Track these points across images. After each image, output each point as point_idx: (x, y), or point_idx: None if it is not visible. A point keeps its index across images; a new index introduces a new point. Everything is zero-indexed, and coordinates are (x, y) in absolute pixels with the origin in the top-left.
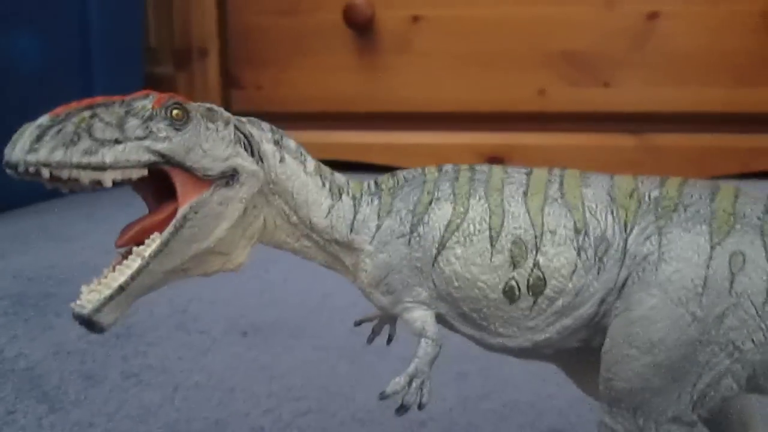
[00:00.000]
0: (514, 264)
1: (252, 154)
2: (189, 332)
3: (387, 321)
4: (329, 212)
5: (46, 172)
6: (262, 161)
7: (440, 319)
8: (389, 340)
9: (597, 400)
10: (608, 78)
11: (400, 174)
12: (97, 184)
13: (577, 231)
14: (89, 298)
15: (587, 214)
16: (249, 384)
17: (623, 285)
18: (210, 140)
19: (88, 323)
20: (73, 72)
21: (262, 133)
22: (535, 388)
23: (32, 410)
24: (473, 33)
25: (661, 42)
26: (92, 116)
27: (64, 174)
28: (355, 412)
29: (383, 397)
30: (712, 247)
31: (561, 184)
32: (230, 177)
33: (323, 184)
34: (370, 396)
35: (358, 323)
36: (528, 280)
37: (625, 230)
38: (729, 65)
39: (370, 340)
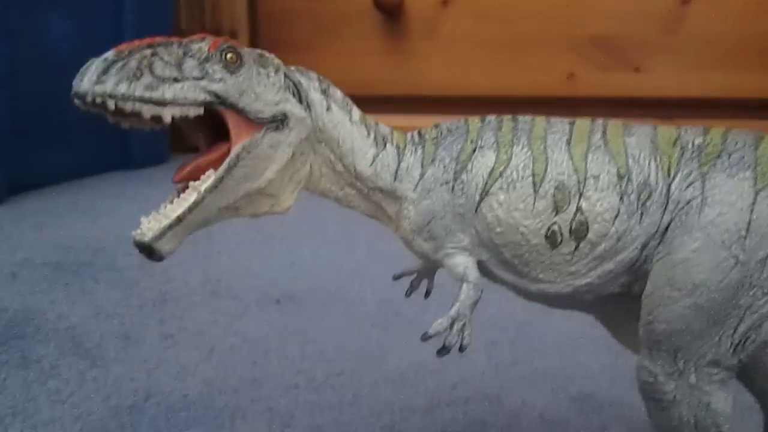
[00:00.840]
0: (557, 209)
1: (300, 101)
2: (223, 299)
3: (425, 275)
4: (374, 161)
5: (111, 104)
6: (309, 109)
7: (481, 266)
8: (427, 294)
9: (634, 351)
10: (639, 63)
11: (444, 125)
12: (157, 120)
13: (620, 176)
14: (150, 226)
15: (630, 161)
16: (283, 347)
17: (666, 230)
18: (261, 84)
19: (149, 250)
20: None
21: (311, 82)
22: (565, 355)
23: (75, 365)
24: (502, 17)
25: (693, 27)
26: (153, 54)
27: (128, 106)
28: (388, 374)
29: (425, 337)
30: (756, 192)
31: (604, 133)
32: (280, 121)
33: (368, 134)
34: (401, 359)
35: (397, 277)
36: (571, 225)
37: (669, 176)
38: (762, 51)
39: (409, 293)
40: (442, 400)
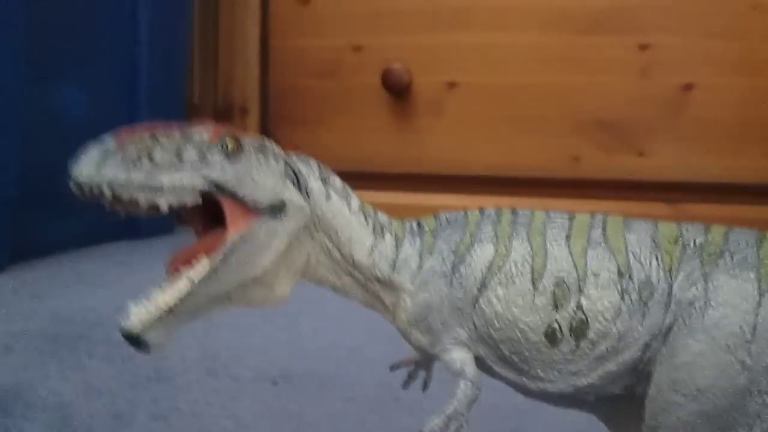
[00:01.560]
0: (557, 306)
1: (300, 190)
2: (219, 378)
3: (422, 366)
4: (372, 251)
5: (108, 192)
6: (309, 197)
7: (479, 362)
8: (425, 387)
9: None
10: (643, 146)
11: (443, 216)
12: (154, 209)
13: (620, 274)
14: (139, 317)
15: (631, 258)
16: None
17: (668, 330)
18: (261, 173)
19: (136, 341)
20: (118, 125)
21: (311, 170)
22: None
23: None
24: (508, 99)
25: (696, 112)
26: (153, 142)
27: (125, 195)
28: None
29: None
30: (761, 295)
31: (604, 228)
32: (278, 209)
33: (367, 223)
34: None
35: (394, 367)
36: (571, 323)
37: (670, 275)
38: (765, 136)
39: (406, 385)
40: None
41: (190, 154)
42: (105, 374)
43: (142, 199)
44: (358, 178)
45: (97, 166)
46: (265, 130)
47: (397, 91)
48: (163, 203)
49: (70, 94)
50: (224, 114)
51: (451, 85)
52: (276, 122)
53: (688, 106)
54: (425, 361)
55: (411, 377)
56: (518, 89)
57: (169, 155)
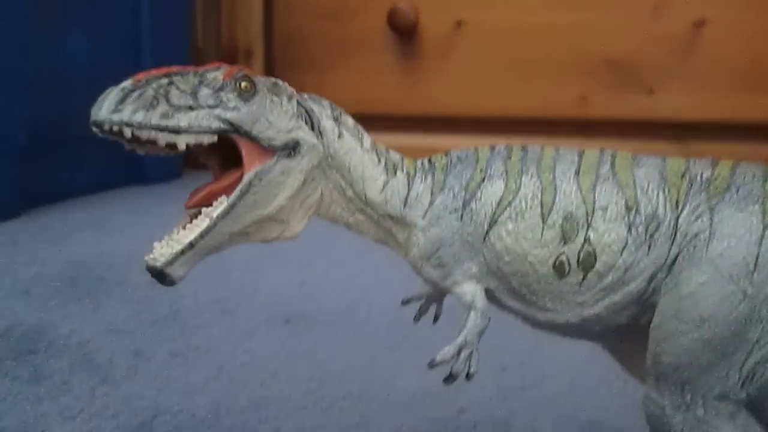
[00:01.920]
0: (565, 239)
1: (312, 129)
2: (233, 317)
3: (434, 300)
4: (384, 188)
5: (128, 132)
6: (321, 136)
7: (489, 294)
8: (436, 319)
9: (642, 381)
10: (652, 85)
11: (454, 153)
12: (172, 148)
13: (628, 208)
14: (162, 252)
15: (638, 192)
16: (291, 367)
17: (673, 262)
18: (275, 112)
19: (161, 275)
20: (123, 71)
21: (323, 110)
22: (575, 381)
23: (86, 382)
24: (515, 39)
25: (707, 49)
26: (169, 83)
27: (144, 135)
28: (396, 397)
29: (432, 365)
30: (765, 226)
31: (612, 164)
32: (292, 148)
33: (379, 161)
34: (409, 382)
35: (405, 302)
36: (578, 255)
37: (677, 208)
38: None
39: (417, 318)
40: (449, 425)
41: (205, 94)
42: (123, 314)
43: (161, 139)
44: (364, 121)
45: (116, 107)
46: (270, 73)
47: (404, 31)
48: (181, 143)
49: (76, 42)
50: (229, 58)
51: (459, 24)
52: (281, 65)
53: (699, 43)
54: (436, 296)
55: (422, 311)
56: (526, 28)
57: (184, 96)
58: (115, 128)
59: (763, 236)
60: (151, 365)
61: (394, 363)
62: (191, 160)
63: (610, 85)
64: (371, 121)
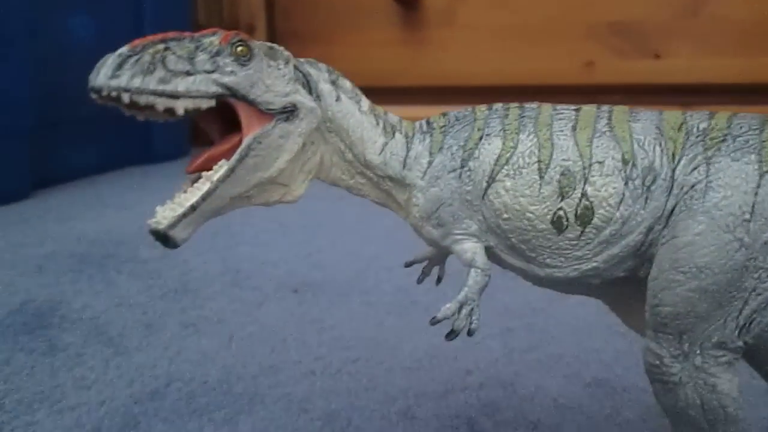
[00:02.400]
0: (563, 195)
1: (310, 92)
2: (242, 288)
3: (436, 262)
4: (383, 149)
5: (126, 97)
6: (319, 99)
7: (489, 252)
8: (438, 280)
9: (641, 334)
10: (658, 49)
11: (452, 114)
12: (170, 113)
13: (624, 162)
14: (164, 215)
15: (635, 146)
16: (300, 335)
17: (670, 214)
18: (272, 76)
19: (164, 238)
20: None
21: (320, 73)
22: (580, 341)
23: (99, 353)
24: (519, 5)
25: (713, 11)
26: (166, 49)
27: (142, 100)
28: (403, 360)
29: (434, 321)
30: (761, 176)
31: (609, 119)
32: (290, 112)
33: (377, 123)
34: (416, 346)
35: (408, 264)
36: (576, 210)
37: (673, 161)
38: None
39: (421, 279)
40: (456, 386)
41: (202, 59)
42: (134, 289)
43: (159, 104)
44: (368, 93)
45: (114, 73)
46: None
47: (406, 0)
48: (180, 108)
49: (79, 21)
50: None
51: None
52: (283, 38)
53: (705, 5)
54: (438, 258)
55: (425, 273)
56: None
57: (181, 61)
58: (113, 94)
59: (759, 185)
60: (163, 336)
61: (401, 328)
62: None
63: (617, 50)
64: (375, 93)
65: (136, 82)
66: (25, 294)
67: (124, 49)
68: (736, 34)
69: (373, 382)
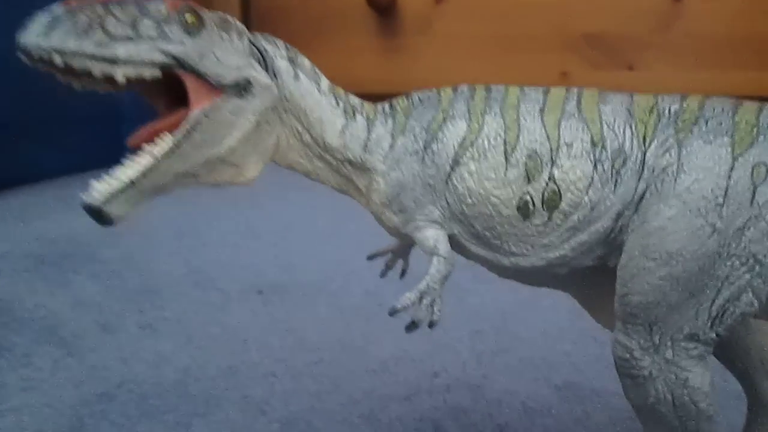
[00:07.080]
0: (529, 178)
1: (266, 69)
2: (206, 290)
3: (400, 255)
4: (343, 132)
5: (58, 59)
6: (276, 77)
7: (453, 241)
8: (402, 274)
9: (610, 329)
10: (633, 61)
11: (416, 95)
12: (110, 82)
13: (593, 144)
14: (99, 189)
15: (605, 128)
16: (263, 337)
17: (641, 199)
18: (223, 48)
19: (98, 213)
20: None
21: (277, 50)
22: (550, 344)
23: (49, 354)
24: (495, 15)
25: (687, 25)
26: (105, 12)
27: (77, 63)
28: (368, 363)
29: (393, 312)
30: (734, 158)
31: (579, 101)
32: (243, 88)
33: (337, 104)
34: (383, 349)
35: (371, 257)
36: (543, 195)
37: (644, 143)
38: (756, 48)
39: (384, 273)
40: (422, 389)
41: (147, 26)
42: (91, 289)
43: (97, 69)
44: None
45: (45, 33)
46: None
47: (383, 8)
48: (120, 75)
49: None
50: None
51: (438, 0)
52: None
53: (679, 18)
54: (401, 250)
55: (388, 266)
56: (506, 4)
57: (123, 26)
58: (44, 55)
59: (732, 168)
60: (118, 337)
61: (367, 331)
62: None
63: (591, 61)
64: None
65: (70, 44)
66: None
67: (57, 8)
68: (708, 48)
69: (335, 385)
